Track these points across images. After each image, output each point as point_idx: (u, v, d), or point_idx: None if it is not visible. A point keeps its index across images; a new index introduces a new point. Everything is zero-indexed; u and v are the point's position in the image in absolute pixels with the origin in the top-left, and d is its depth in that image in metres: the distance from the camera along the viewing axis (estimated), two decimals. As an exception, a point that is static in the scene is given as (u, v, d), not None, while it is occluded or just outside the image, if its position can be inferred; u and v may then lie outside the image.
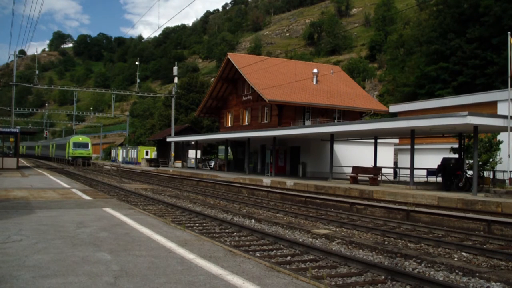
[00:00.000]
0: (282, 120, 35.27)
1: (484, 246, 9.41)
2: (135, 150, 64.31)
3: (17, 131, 31.59)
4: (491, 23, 39.83)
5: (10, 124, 43.66)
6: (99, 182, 26.05)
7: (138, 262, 5.62)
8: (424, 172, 23.90)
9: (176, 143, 48.57)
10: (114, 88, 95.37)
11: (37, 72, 59.43)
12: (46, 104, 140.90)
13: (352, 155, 32.03)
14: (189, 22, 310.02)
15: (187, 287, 4.63)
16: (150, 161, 57.29)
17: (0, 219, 8.78)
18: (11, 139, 31.78)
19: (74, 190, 16.21)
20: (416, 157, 22.35)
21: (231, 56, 40.76)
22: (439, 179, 22.04)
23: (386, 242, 9.83)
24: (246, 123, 40.14)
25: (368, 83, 70.89)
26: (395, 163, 35.36)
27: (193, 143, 46.48)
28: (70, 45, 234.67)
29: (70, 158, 53.36)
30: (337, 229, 11.46)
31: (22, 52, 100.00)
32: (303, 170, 32.95)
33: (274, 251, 8.54)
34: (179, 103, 62.87)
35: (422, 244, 9.60)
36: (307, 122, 35.98)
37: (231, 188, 24.18)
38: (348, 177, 25.19)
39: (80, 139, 56.13)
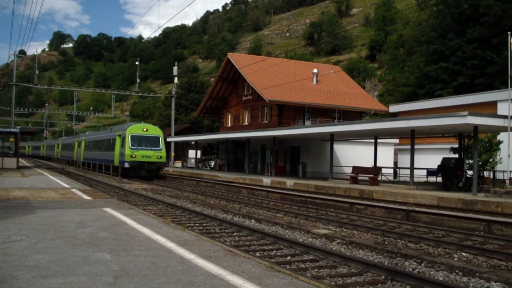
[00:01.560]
0: (282, 120, 35.27)
1: (484, 246, 9.41)
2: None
3: (17, 131, 31.62)
4: (491, 23, 39.86)
5: (10, 124, 43.65)
6: (99, 182, 26.05)
7: (138, 262, 5.61)
8: (424, 172, 23.91)
9: (176, 143, 48.56)
10: (114, 88, 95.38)
11: (37, 72, 59.03)
12: (46, 104, 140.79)
13: (352, 155, 32.03)
14: (189, 22, 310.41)
15: (187, 287, 4.63)
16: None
17: (0, 219, 8.78)
18: (11, 139, 31.80)
19: (74, 190, 16.21)
20: (416, 157, 22.35)
21: (231, 56, 40.77)
22: (439, 179, 22.04)
23: (386, 242, 9.83)
24: (246, 123, 40.14)
25: (368, 83, 70.91)
26: (395, 163, 35.37)
27: (193, 143, 46.48)
28: (70, 45, 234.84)
29: (127, 164, 29.85)
30: (337, 229, 11.46)
31: (22, 52, 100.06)
32: (303, 170, 32.96)
33: (274, 251, 8.54)
34: (179, 103, 62.90)
35: (422, 244, 9.60)
36: (307, 122, 35.98)
37: (231, 188, 24.18)
38: (348, 177, 25.19)
39: (145, 129, 31.84)
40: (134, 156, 29.91)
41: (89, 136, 45.51)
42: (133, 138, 30.73)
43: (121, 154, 31.10)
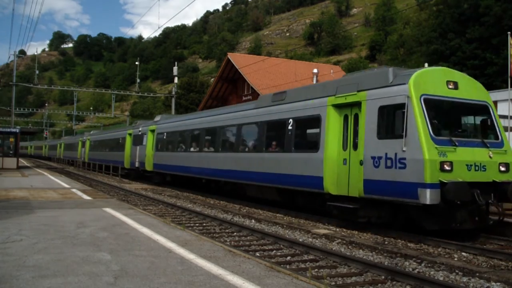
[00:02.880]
0: (282, 120, 35.22)
1: (484, 246, 9.40)
2: (136, 150, 63.37)
3: (17, 131, 31.64)
4: (491, 23, 39.85)
5: (10, 124, 43.64)
6: (99, 182, 26.03)
7: (138, 262, 5.61)
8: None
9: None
10: (114, 88, 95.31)
11: (37, 72, 58.92)
12: (46, 104, 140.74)
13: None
14: (189, 22, 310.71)
15: (187, 287, 4.63)
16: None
17: (0, 219, 8.78)
18: (11, 139, 31.81)
19: (74, 190, 16.21)
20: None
21: (231, 56, 40.78)
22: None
23: (386, 242, 9.83)
24: (246, 123, 40.07)
25: (368, 83, 70.87)
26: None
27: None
28: (70, 45, 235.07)
29: (429, 197, 8.55)
30: (337, 229, 11.45)
31: (22, 52, 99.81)
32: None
33: (274, 251, 8.53)
34: (179, 103, 62.87)
35: (422, 244, 9.59)
36: (307, 122, 35.93)
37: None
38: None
39: (451, 85, 9.93)
40: (448, 167, 9.07)
41: (163, 122, 23.97)
42: (432, 107, 9.71)
43: (412, 162, 9.16)
